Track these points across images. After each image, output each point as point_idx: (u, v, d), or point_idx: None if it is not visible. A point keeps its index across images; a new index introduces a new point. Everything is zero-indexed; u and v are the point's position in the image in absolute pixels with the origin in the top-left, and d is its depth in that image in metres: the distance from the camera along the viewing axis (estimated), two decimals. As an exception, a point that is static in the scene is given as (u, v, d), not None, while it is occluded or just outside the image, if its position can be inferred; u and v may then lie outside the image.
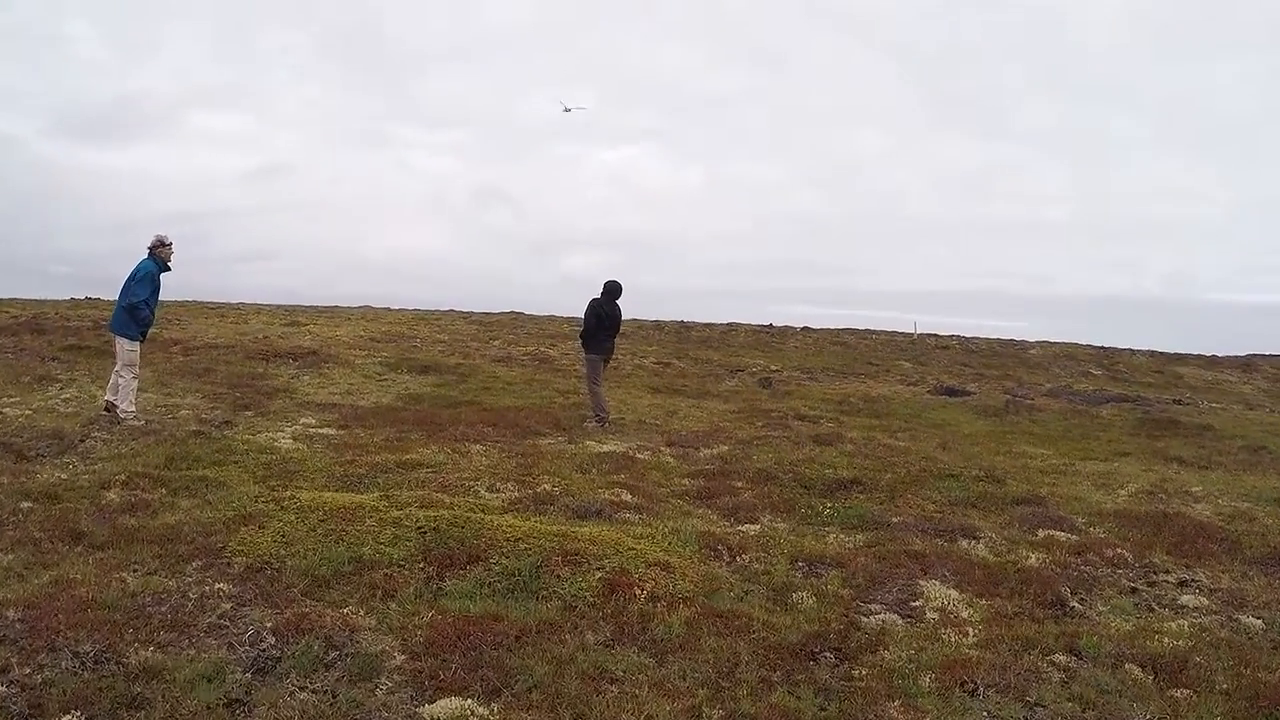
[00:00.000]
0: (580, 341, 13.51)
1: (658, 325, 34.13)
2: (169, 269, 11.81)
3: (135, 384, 11.46)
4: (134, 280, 11.36)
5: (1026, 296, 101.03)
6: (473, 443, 10.58)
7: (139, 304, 11.26)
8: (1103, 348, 37.80)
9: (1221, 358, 35.97)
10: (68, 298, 31.65)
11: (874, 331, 36.62)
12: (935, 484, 9.57)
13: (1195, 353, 38.83)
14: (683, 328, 33.56)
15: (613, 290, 13.10)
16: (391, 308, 36.32)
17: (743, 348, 29.58)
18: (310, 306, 34.99)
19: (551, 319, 35.86)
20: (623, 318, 13.49)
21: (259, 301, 36.20)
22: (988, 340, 37.73)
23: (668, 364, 22.43)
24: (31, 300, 29.74)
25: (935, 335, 37.17)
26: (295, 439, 10.54)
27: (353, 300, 39.13)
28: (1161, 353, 37.55)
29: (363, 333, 24.19)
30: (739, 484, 8.96)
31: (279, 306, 33.68)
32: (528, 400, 14.98)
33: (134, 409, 11.28)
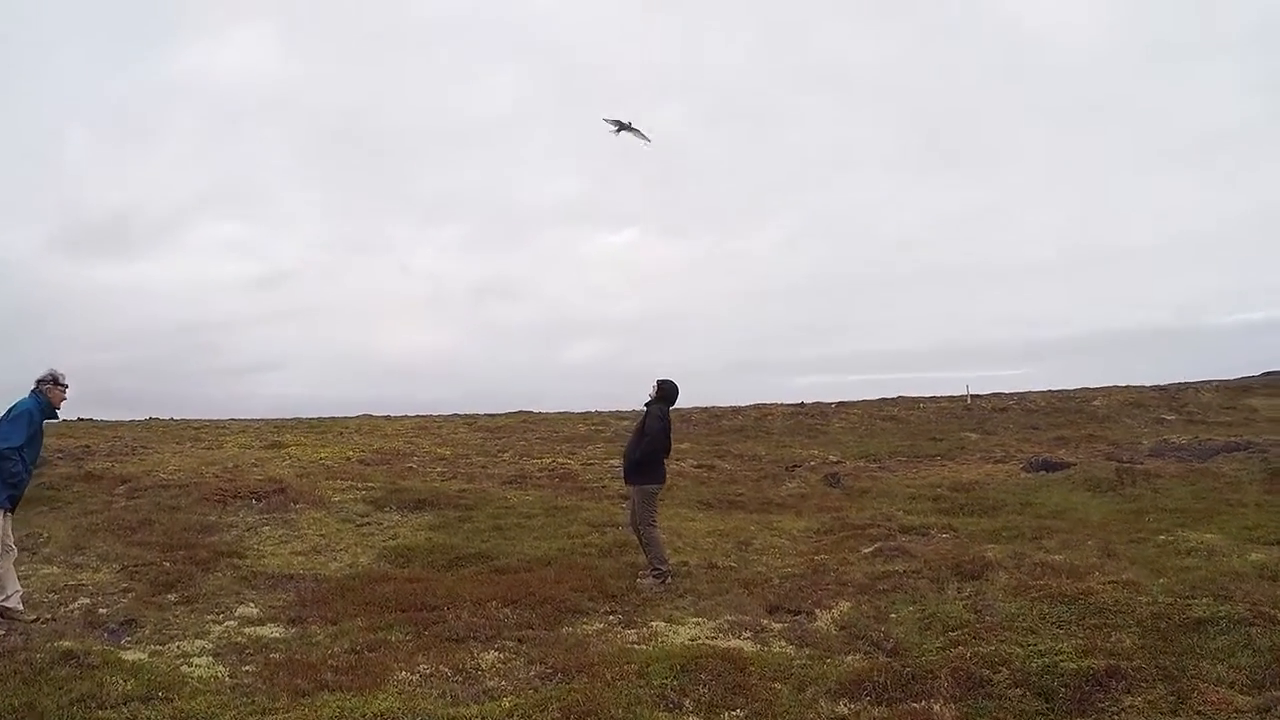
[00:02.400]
0: (631, 468, 9.57)
1: (682, 416, 30.69)
2: (55, 415, 8.54)
3: (10, 569, 8.06)
4: (4, 420, 8.07)
5: (1038, 340, 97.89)
6: (484, 644, 7.02)
7: (6, 452, 7.89)
8: (1163, 388, 35.21)
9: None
10: (60, 419, 29.66)
11: (921, 400, 33.26)
12: (1196, 643, 6.13)
13: (1218, 379, 37.03)
14: (710, 416, 30.09)
15: (671, 393, 9.66)
16: (392, 415, 33.05)
17: (784, 434, 26.09)
18: (304, 420, 31.74)
19: (564, 416, 32.56)
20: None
21: (262, 415, 33.75)
22: (1043, 395, 34.63)
23: (711, 466, 18.88)
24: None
25: (975, 395, 33.85)
26: (216, 655, 7.02)
27: (358, 406, 36.93)
28: (1226, 384, 35.31)
29: (352, 453, 20.68)
30: (934, 704, 5.35)
31: (266, 422, 30.40)
32: (553, 544, 11.36)
33: (19, 604, 7.91)
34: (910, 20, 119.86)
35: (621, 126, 17.60)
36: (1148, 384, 37.24)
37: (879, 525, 12.02)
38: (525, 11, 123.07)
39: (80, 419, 29.74)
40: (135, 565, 9.92)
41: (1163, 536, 10.47)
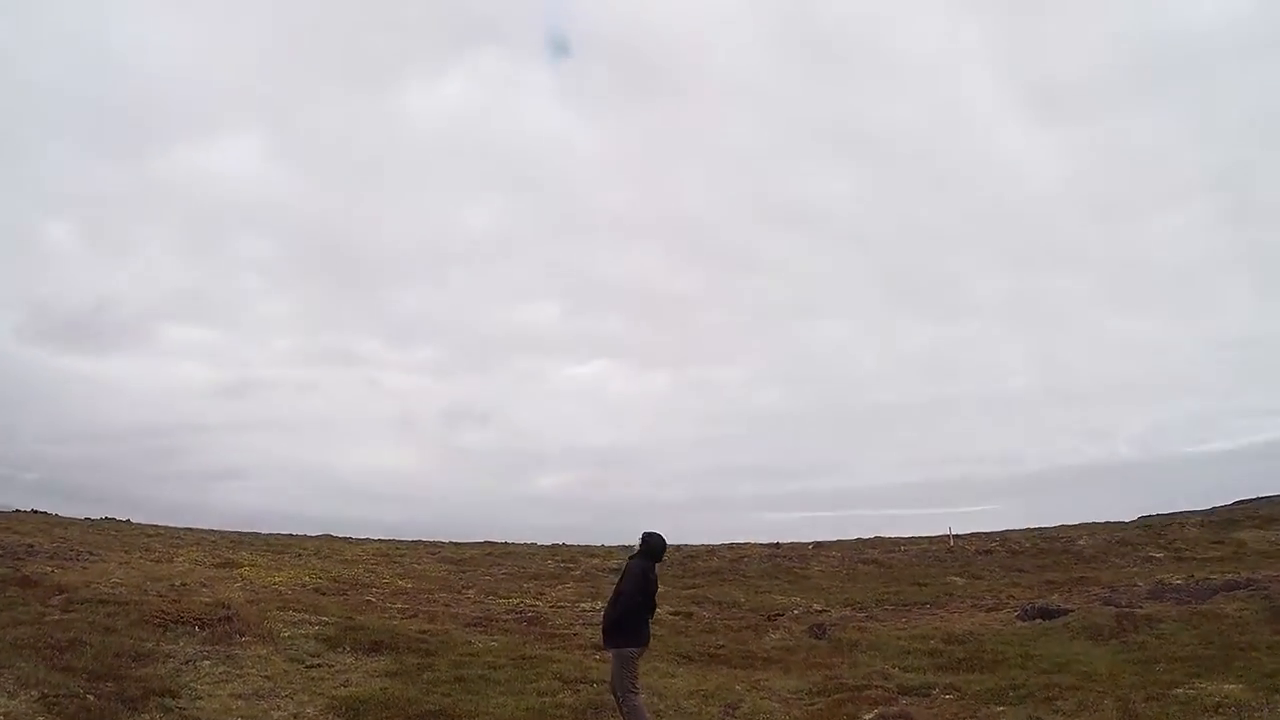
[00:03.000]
0: (608, 629, 8.56)
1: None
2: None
3: None
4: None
5: (1002, 477, 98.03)
6: None
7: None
8: (1148, 524, 34.67)
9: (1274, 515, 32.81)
10: (13, 509, 29.36)
11: (901, 541, 32.33)
12: None
13: (1196, 509, 36.75)
14: (684, 557, 28.86)
15: (657, 549, 8.73)
16: (354, 538, 31.53)
17: (761, 578, 24.93)
18: (262, 536, 30.19)
19: (532, 550, 31.18)
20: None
21: (220, 525, 32.76)
22: (1025, 534, 33.89)
23: (688, 614, 17.69)
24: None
25: (957, 535, 33.00)
26: None
27: (319, 523, 35.57)
28: (1210, 518, 34.95)
29: (309, 578, 19.22)
30: None
31: (222, 536, 28.86)
32: (521, 701, 10.10)
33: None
34: (876, 166, 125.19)
35: None
36: (1126, 518, 36.81)
37: (876, 685, 10.98)
38: (511, 145, 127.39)
39: (34, 510, 29.04)
40: (56, 695, 8.60)
41: (1181, 690, 9.79)
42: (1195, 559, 25.05)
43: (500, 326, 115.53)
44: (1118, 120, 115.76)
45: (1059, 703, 9.87)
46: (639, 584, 8.39)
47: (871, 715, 9.44)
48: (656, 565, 8.71)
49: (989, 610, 18.18)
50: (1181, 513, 36.28)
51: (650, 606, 8.51)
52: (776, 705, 10.31)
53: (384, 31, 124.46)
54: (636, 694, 8.22)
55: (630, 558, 8.77)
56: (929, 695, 10.56)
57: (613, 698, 8.52)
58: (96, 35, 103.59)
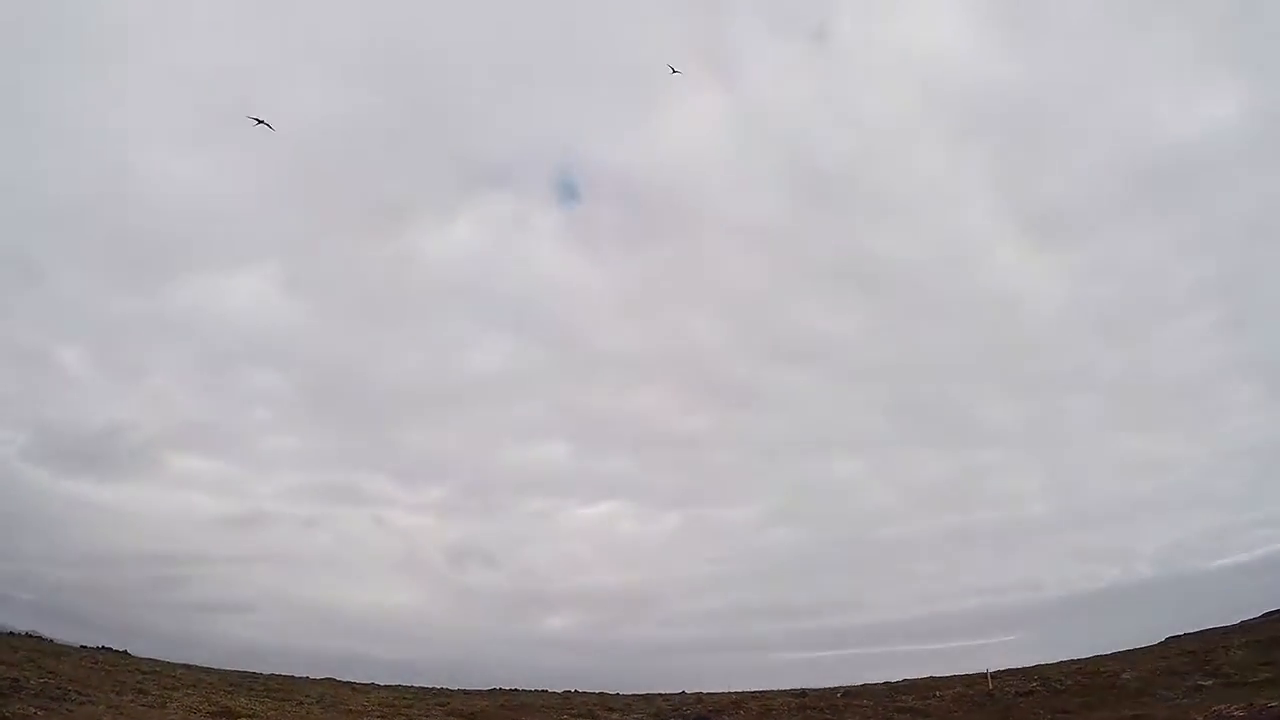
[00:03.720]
0: None
1: (677, 711, 27.51)
2: None
3: None
4: None
5: (1025, 605, 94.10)
6: None
7: None
8: (1188, 649, 32.60)
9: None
10: (7, 630, 28.97)
11: (936, 683, 30.50)
12: None
13: (1226, 624, 34.91)
14: (710, 710, 27.07)
15: None
16: (358, 683, 29.76)
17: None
18: (262, 678, 28.55)
19: (544, 701, 29.30)
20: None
21: (221, 661, 31.42)
22: (1063, 668, 31.98)
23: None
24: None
25: (987, 674, 31.07)
26: None
27: (323, 663, 33.84)
28: (1255, 637, 32.75)
29: None
30: None
31: (220, 676, 27.37)
32: None
33: None
34: (880, 299, 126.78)
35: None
36: (1154, 639, 35.00)
37: None
38: (520, 286, 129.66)
39: (29, 634, 28.55)
40: None
41: None
42: (1247, 683, 23.77)
43: (509, 466, 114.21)
44: (1114, 238, 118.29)
45: None
46: None
47: None
48: None
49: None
50: (1210, 630, 34.47)
51: None
52: None
53: (397, 174, 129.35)
54: None
55: None
56: None
57: None
58: (117, 164, 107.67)
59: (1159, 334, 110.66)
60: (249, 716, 19.26)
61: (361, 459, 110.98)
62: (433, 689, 30.37)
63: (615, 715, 26.66)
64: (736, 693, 31.26)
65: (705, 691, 31.14)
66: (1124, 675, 28.14)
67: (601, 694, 31.87)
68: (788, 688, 32.22)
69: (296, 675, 30.35)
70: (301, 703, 23.09)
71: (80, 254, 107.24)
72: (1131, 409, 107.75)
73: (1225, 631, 33.79)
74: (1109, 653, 34.08)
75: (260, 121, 43.45)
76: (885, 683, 32.74)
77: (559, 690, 32.06)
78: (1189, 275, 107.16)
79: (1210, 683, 24.91)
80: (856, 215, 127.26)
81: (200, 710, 19.21)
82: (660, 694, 28.53)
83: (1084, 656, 33.97)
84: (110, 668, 24.29)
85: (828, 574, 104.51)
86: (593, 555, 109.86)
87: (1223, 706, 20.14)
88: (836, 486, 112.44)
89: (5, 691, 16.09)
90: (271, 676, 29.51)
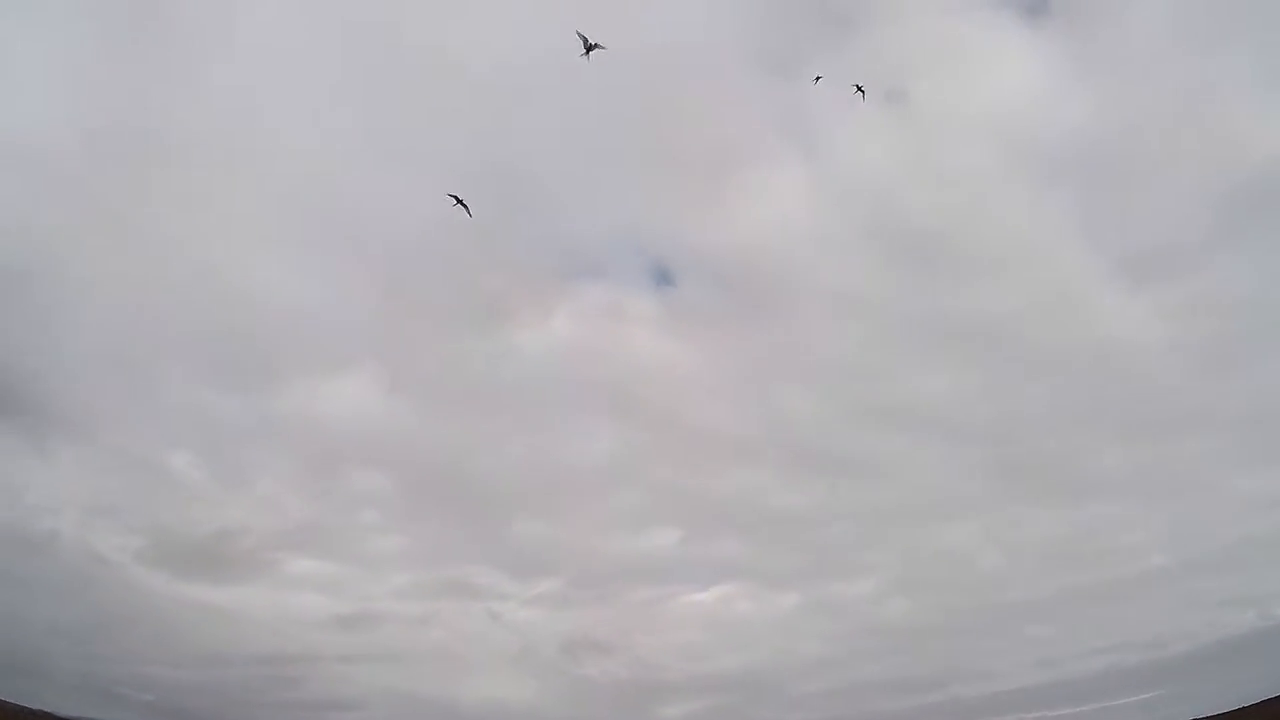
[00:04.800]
0: None
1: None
2: None
3: None
4: None
5: (1150, 663, 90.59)
6: None
7: None
8: None
9: None
10: None
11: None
12: None
13: None
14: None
15: None
16: None
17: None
18: None
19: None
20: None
21: None
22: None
23: None
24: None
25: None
26: None
27: None
28: None
29: None
30: None
31: None
32: None
33: None
34: (976, 357, 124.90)
35: (589, 46, 18.94)
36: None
37: None
38: (619, 374, 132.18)
39: None
40: None
41: None
42: None
43: (618, 554, 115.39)
44: (1212, 268, 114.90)
45: None
46: None
47: None
48: None
49: None
50: None
51: None
52: None
53: (491, 270, 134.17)
54: None
55: None
56: None
57: None
58: (216, 276, 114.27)
59: (1272, 363, 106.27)
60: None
61: (471, 554, 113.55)
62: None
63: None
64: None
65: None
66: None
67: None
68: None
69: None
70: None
71: (186, 364, 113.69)
72: (1249, 445, 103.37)
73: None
74: (1250, 704, 32.92)
75: (459, 202, 45.60)
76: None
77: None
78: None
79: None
80: (947, 274, 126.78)
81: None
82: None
83: (1222, 711, 32.97)
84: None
85: (947, 643, 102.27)
86: (708, 640, 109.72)
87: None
88: (949, 553, 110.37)
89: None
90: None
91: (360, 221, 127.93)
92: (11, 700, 79.85)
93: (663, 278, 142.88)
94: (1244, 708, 33.11)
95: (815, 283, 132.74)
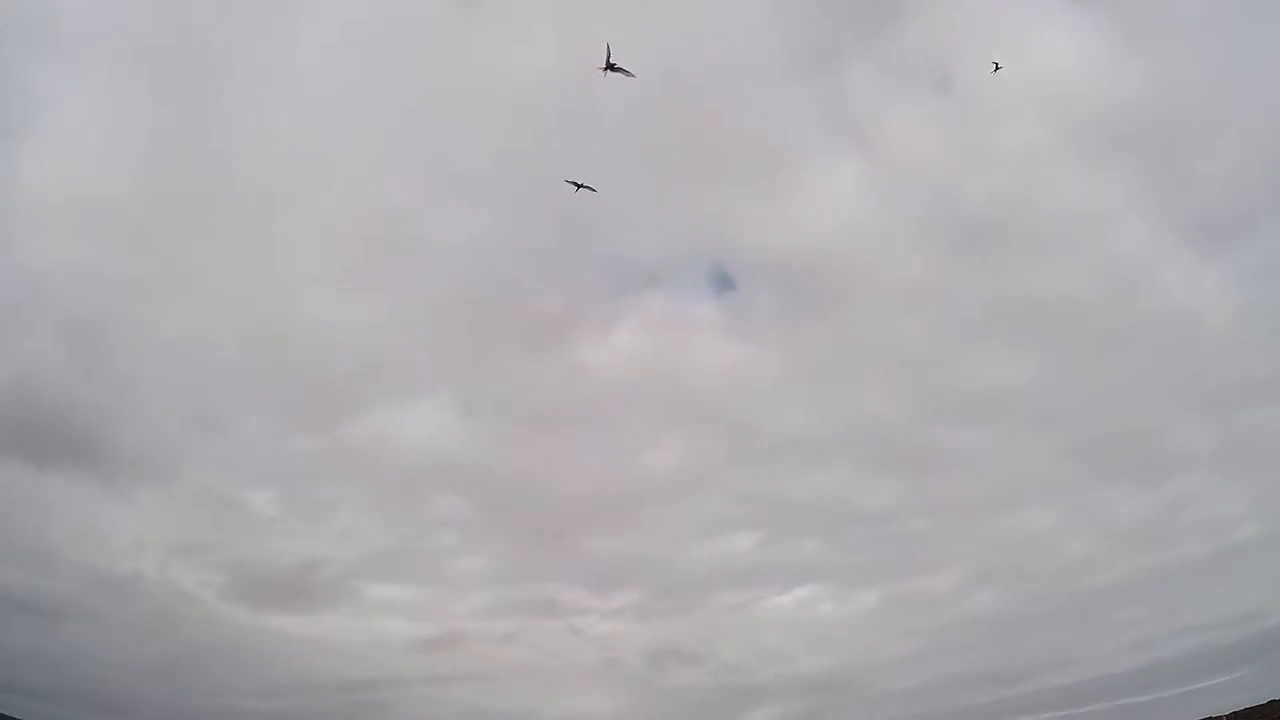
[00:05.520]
0: None
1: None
2: None
3: None
4: None
5: (1245, 640, 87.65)
6: None
7: None
8: None
9: None
10: None
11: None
12: None
13: None
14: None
15: None
16: None
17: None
18: None
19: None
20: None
21: None
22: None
23: None
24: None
25: (1223, 718, 29.63)
26: None
27: None
28: None
29: None
30: None
31: None
32: None
33: None
34: (1049, 340, 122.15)
35: (610, 67, 18.01)
36: None
37: None
38: (687, 382, 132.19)
39: None
40: None
41: None
42: None
43: (698, 562, 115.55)
44: (1270, 236, 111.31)
45: None
46: None
47: None
48: None
49: None
50: None
51: None
52: None
53: (554, 288, 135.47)
54: None
55: None
56: None
57: None
58: (281, 313, 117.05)
59: None
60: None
61: (551, 571, 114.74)
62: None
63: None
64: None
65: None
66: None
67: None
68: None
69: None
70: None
71: (258, 401, 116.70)
72: None
73: None
74: None
75: (580, 186, 44.40)
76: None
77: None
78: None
79: None
80: (1012, 257, 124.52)
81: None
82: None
83: None
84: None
85: (1035, 633, 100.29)
86: (793, 643, 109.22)
87: None
88: (1033, 540, 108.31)
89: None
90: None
91: (422, 250, 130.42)
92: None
93: (724, 283, 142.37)
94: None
95: (878, 277, 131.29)
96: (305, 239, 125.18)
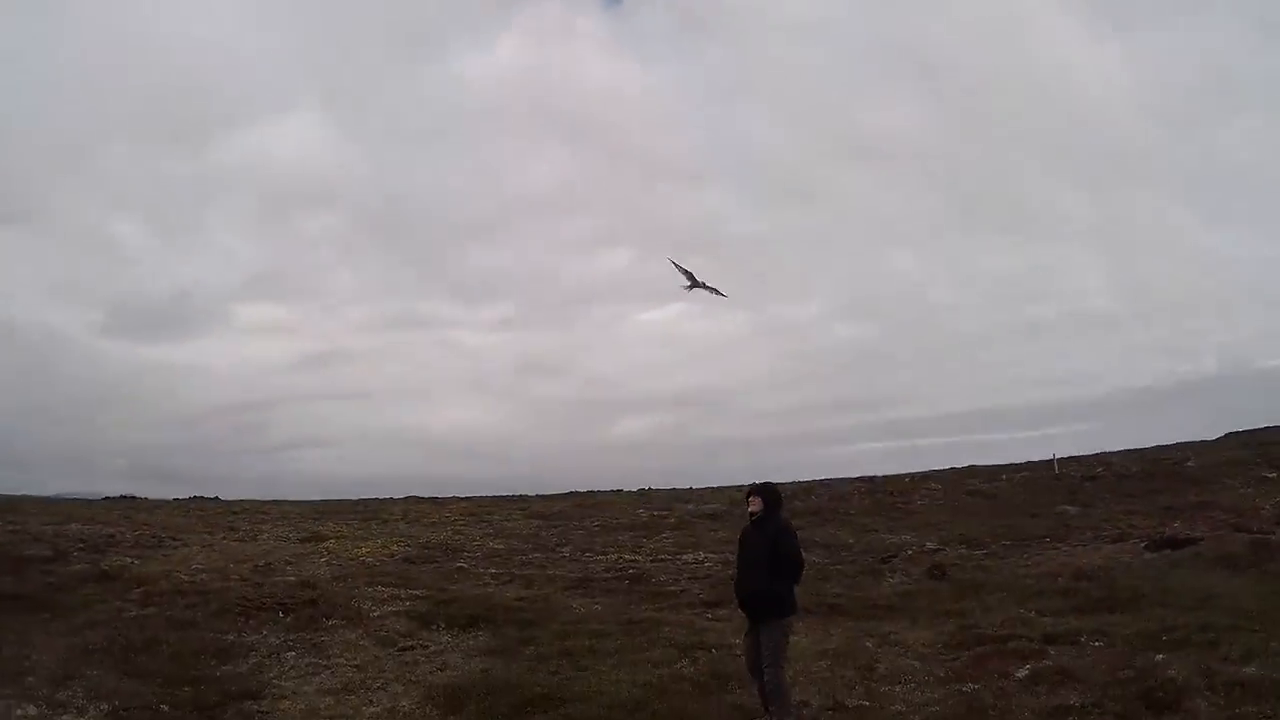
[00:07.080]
0: (760, 601, 7.83)
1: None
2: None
3: None
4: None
5: (1091, 399, 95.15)
6: None
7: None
8: (1253, 444, 32.38)
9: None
10: (102, 496, 30.52)
11: (1003, 469, 31.26)
12: None
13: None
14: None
15: (781, 499, 8.33)
16: (440, 498, 31.47)
17: (865, 516, 24.33)
18: (347, 502, 30.32)
19: (620, 498, 31.00)
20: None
21: (307, 495, 32.90)
22: (1127, 456, 32.24)
23: (797, 561, 17.21)
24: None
25: (1053, 459, 31.55)
26: None
27: (405, 485, 35.55)
28: None
29: (397, 547, 18.97)
30: None
31: (309, 506, 28.99)
32: (636, 675, 9.60)
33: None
34: (942, 92, 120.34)
35: (694, 283, 15.81)
36: (1212, 435, 35.03)
37: (1019, 635, 10.35)
38: (569, 97, 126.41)
39: (122, 496, 29.92)
40: (128, 707, 8.36)
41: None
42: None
43: (571, 277, 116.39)
44: (1185, 23, 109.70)
45: (1223, 648, 9.06)
46: (797, 541, 7.96)
47: (1024, 671, 8.83)
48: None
49: (1113, 541, 17.30)
50: (1273, 427, 33.89)
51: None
52: (916, 664, 9.75)
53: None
54: (784, 668, 7.75)
55: (757, 517, 8.05)
56: (1078, 644, 9.87)
57: (750, 673, 8.00)
58: (142, 32, 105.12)
59: (1232, 126, 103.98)
60: (336, 538, 20.37)
61: (424, 287, 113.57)
62: (512, 496, 31.89)
63: (690, 505, 27.97)
64: (806, 481, 32.44)
65: (776, 481, 32.15)
66: (1189, 464, 28.42)
67: (673, 489, 33.24)
68: (857, 475, 33.41)
69: (380, 498, 31.85)
70: (386, 520, 24.44)
71: (123, 127, 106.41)
72: (1201, 203, 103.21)
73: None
74: (1171, 443, 34.12)
75: None
76: (952, 468, 33.57)
77: (634, 489, 33.54)
78: (1261, 67, 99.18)
79: (1274, 474, 24.79)
80: (915, 5, 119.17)
81: (290, 538, 20.35)
82: (731, 486, 29.69)
83: (1146, 446, 34.08)
84: (202, 513, 25.46)
85: (896, 369, 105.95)
86: (662, 358, 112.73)
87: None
88: (898, 282, 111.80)
89: (100, 547, 16.77)
90: (358, 501, 30.96)
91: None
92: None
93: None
94: (1167, 445, 33.73)
95: (774, 8, 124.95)
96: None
